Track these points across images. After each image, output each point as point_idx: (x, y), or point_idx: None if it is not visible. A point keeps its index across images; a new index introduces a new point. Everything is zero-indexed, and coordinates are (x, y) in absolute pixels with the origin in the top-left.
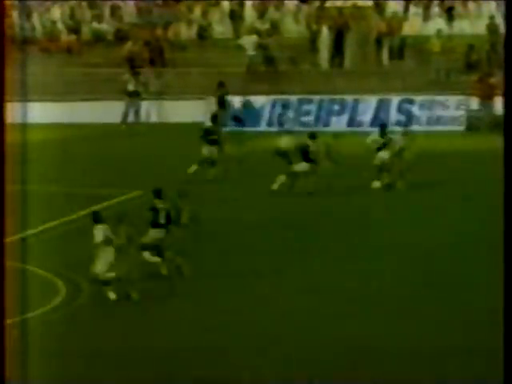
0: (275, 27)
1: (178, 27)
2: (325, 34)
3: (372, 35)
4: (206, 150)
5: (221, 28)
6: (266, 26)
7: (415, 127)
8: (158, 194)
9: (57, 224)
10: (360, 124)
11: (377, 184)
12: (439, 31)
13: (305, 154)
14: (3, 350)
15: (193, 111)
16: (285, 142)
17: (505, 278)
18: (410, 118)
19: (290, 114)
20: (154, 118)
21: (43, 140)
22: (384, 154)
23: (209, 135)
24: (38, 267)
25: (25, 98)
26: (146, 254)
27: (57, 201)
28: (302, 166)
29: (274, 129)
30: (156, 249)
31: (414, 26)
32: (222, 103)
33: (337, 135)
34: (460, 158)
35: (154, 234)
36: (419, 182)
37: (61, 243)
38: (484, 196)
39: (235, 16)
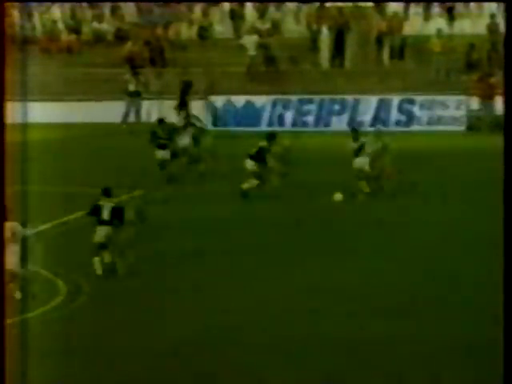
0: (276, 27)
1: (178, 27)
2: (325, 33)
3: (372, 35)
4: (159, 154)
5: (221, 28)
6: (267, 25)
7: (416, 127)
8: (106, 192)
9: (57, 223)
10: (360, 124)
11: (339, 197)
12: (440, 31)
13: (259, 155)
14: (3, 349)
15: (193, 111)
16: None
17: (504, 278)
18: (410, 118)
19: (290, 113)
20: (154, 118)
21: (43, 140)
22: (361, 160)
23: (157, 139)
24: (38, 267)
25: (25, 97)
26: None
27: (57, 200)
28: (249, 165)
29: (275, 129)
30: (107, 246)
31: (414, 25)
32: (184, 103)
33: (297, 136)
34: (461, 158)
35: (101, 231)
36: (419, 181)
37: (61, 243)
38: (484, 195)
39: (236, 16)
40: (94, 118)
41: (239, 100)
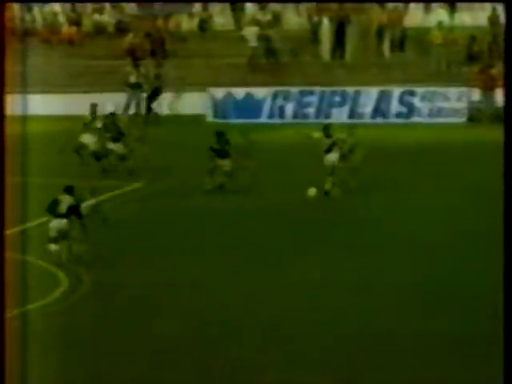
0: (276, 19)
1: (179, 19)
2: (326, 25)
3: (373, 27)
4: (115, 147)
5: (222, 19)
6: (268, 17)
7: (416, 119)
8: (68, 190)
9: None
10: (361, 116)
11: (312, 192)
12: (440, 23)
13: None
14: (3, 342)
15: (194, 103)
16: None
17: (504, 272)
18: (411, 110)
19: (291, 105)
20: (155, 110)
21: (44, 132)
22: (333, 157)
23: (108, 131)
24: (39, 259)
25: (26, 89)
26: (52, 246)
27: (58, 192)
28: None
29: (275, 121)
30: (62, 238)
31: (415, 17)
32: (156, 94)
33: (245, 133)
34: (461, 150)
35: (55, 224)
36: (420, 173)
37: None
38: (485, 187)
39: (236, 7)
40: (99, 109)
41: (239, 92)
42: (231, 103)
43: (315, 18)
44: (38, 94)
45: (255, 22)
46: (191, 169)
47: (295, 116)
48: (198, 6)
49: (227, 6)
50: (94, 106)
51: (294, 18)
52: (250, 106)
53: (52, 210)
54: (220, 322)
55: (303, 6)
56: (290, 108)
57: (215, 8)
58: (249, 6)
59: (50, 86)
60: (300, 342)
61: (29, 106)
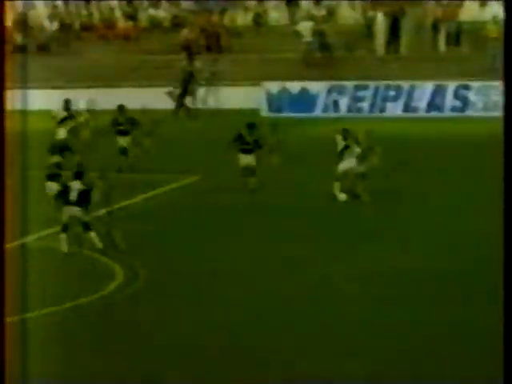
0: (331, 13)
1: (234, 14)
2: (380, 19)
3: (428, 21)
4: (120, 141)
5: (277, 14)
6: (322, 12)
7: (472, 113)
8: (78, 175)
9: (115, 209)
10: (415, 110)
11: (343, 197)
12: (496, 17)
13: (243, 144)
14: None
15: (248, 97)
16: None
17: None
18: (466, 104)
19: (345, 100)
20: (210, 104)
21: (96, 126)
22: (349, 163)
23: (117, 125)
24: (93, 251)
25: (87, 84)
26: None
27: (118, 186)
28: (244, 160)
29: (330, 115)
30: (86, 228)
31: (470, 11)
32: (185, 92)
33: (275, 124)
34: None
35: (67, 211)
36: (475, 166)
37: (119, 228)
38: None
39: (291, 2)
40: (150, 104)
41: (294, 86)
42: (286, 98)
43: (370, 13)
44: (96, 88)
45: (310, 17)
46: None
47: (349, 110)
48: (253, 1)
49: (282, 0)
50: (67, 102)
51: (348, 13)
52: (304, 101)
53: (62, 196)
54: (266, 311)
55: (358, 1)
56: (344, 102)
57: (270, 3)
58: (304, 0)
59: (106, 81)
60: (338, 333)
61: (87, 100)
